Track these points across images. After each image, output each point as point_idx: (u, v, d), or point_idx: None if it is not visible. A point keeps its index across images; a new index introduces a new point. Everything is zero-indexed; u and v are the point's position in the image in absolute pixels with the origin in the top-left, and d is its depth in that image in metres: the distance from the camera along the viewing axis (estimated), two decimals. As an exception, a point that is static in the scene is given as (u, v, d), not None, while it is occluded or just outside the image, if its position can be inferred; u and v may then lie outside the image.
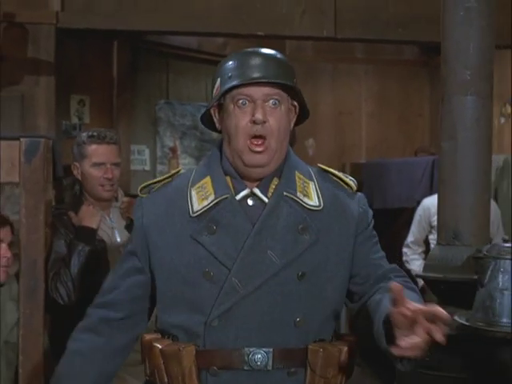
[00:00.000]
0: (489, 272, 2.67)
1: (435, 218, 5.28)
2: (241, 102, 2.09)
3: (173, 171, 2.28)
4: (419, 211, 5.84)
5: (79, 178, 3.59)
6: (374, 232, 2.25)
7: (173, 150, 5.60)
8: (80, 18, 4.42)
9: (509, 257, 2.66)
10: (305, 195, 2.14)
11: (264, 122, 2.07)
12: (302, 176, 2.18)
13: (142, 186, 2.23)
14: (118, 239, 3.60)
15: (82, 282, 3.30)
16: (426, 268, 3.39)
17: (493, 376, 2.63)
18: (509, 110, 6.97)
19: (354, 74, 8.27)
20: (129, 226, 3.63)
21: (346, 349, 2.12)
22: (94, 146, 3.52)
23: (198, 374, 2.06)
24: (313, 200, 2.14)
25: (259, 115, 2.06)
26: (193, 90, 5.71)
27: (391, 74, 8.31)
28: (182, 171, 2.27)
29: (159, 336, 2.15)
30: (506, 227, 5.74)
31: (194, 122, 5.62)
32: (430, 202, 5.57)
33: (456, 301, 2.94)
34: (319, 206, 2.14)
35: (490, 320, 2.66)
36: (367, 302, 2.13)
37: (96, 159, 3.52)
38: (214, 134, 5.98)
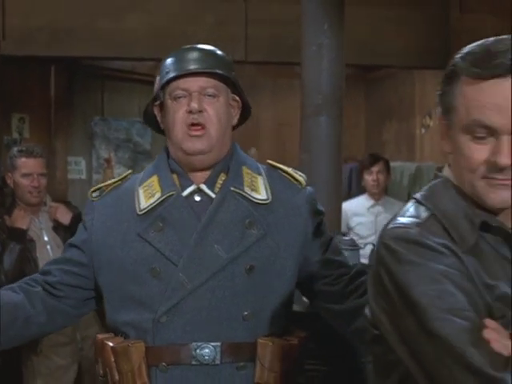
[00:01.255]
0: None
1: (352, 219, 5.92)
2: (177, 95, 2.07)
3: (124, 174, 2.27)
4: (337, 214, 6.39)
5: (12, 186, 4.20)
6: (326, 229, 2.25)
7: (107, 160, 6.21)
8: (20, 47, 4.97)
9: (345, 247, 3.23)
10: (253, 189, 2.10)
11: (201, 112, 2.05)
12: (249, 171, 2.15)
13: (93, 189, 2.23)
14: (46, 238, 4.19)
15: (14, 275, 3.81)
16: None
17: (336, 346, 3.12)
18: (428, 122, 7.54)
19: (293, 88, 8.75)
20: (55, 228, 4.24)
21: (296, 344, 2.10)
22: (23, 159, 4.13)
23: (147, 371, 2.02)
24: (261, 194, 2.10)
25: (194, 104, 2.04)
26: (127, 108, 6.23)
27: (329, 88, 8.83)
28: (133, 174, 2.25)
29: (112, 335, 2.12)
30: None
31: (128, 136, 6.22)
32: (348, 205, 5.87)
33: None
34: (267, 199, 2.10)
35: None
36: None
37: (25, 170, 4.12)
38: (147, 146, 6.59)
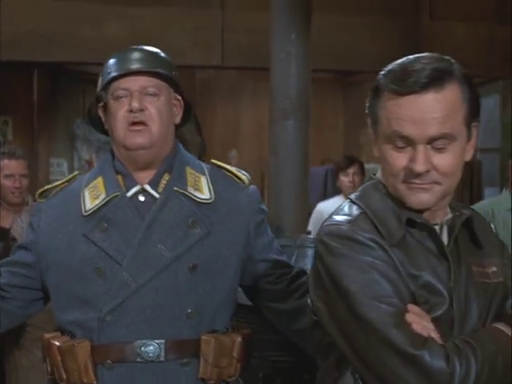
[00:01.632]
0: (294, 257, 3.41)
1: (327, 220, 6.10)
2: (119, 95, 2.08)
3: (70, 175, 2.29)
4: (313, 214, 6.50)
5: (-4, 186, 4.39)
6: (268, 229, 2.29)
7: (89, 162, 6.41)
8: (3, 52, 5.17)
9: (309, 245, 3.40)
10: (196, 189, 2.14)
11: (142, 110, 2.07)
12: (193, 171, 2.18)
13: (40, 191, 2.24)
14: (28, 237, 4.38)
15: (-3, 271, 4.08)
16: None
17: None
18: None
19: (273, 91, 8.96)
20: (37, 226, 4.41)
21: (239, 340, 2.13)
22: (5, 161, 4.30)
23: (94, 369, 2.04)
24: (204, 193, 2.14)
25: (135, 104, 2.05)
26: (108, 111, 6.52)
27: (309, 91, 9.01)
28: (80, 175, 2.27)
29: (59, 334, 2.13)
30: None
31: (109, 138, 6.45)
32: (323, 206, 6.08)
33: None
34: (210, 198, 2.14)
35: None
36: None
37: (7, 171, 4.28)
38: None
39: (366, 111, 1.73)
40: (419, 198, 1.66)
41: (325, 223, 1.71)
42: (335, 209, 1.76)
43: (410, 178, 1.63)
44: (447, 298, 1.65)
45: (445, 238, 1.72)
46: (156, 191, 2.12)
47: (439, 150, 1.62)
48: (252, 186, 2.24)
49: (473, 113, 1.67)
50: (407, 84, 1.60)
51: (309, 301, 1.77)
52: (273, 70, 3.75)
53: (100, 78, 2.16)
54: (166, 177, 2.14)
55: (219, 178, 2.21)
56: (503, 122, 5.92)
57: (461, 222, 1.72)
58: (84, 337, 2.06)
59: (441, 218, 1.72)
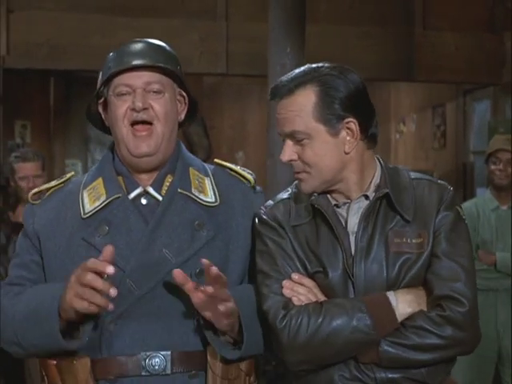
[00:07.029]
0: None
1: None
2: (121, 92, 1.95)
3: (65, 176, 2.14)
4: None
5: (14, 186, 4.76)
6: None
7: (102, 163, 6.85)
8: (22, 61, 5.58)
9: None
10: (200, 191, 2.02)
11: (146, 109, 1.94)
12: (196, 172, 2.06)
13: (33, 192, 2.10)
14: (46, 232, 4.73)
15: (17, 264, 4.42)
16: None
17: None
18: (402, 128, 8.00)
19: (278, 94, 9.19)
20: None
21: None
22: (19, 164, 4.67)
23: None
24: (209, 196, 2.02)
25: (138, 103, 1.92)
26: (119, 114, 6.90)
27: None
28: (75, 176, 2.14)
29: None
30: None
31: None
32: None
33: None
34: (215, 202, 2.02)
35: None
36: None
37: (21, 174, 4.65)
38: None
39: None
40: (301, 186, 1.98)
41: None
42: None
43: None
44: (341, 266, 1.92)
45: (359, 214, 1.95)
46: (159, 193, 2.01)
47: (299, 142, 1.93)
48: (258, 188, 2.15)
49: (336, 113, 1.91)
50: (273, 93, 1.95)
51: None
52: (270, 80, 4.07)
53: (100, 73, 2.02)
54: (169, 178, 2.04)
55: (224, 179, 2.11)
56: (490, 125, 6.21)
57: (375, 200, 1.93)
58: (86, 349, 1.92)
59: (354, 197, 1.96)
